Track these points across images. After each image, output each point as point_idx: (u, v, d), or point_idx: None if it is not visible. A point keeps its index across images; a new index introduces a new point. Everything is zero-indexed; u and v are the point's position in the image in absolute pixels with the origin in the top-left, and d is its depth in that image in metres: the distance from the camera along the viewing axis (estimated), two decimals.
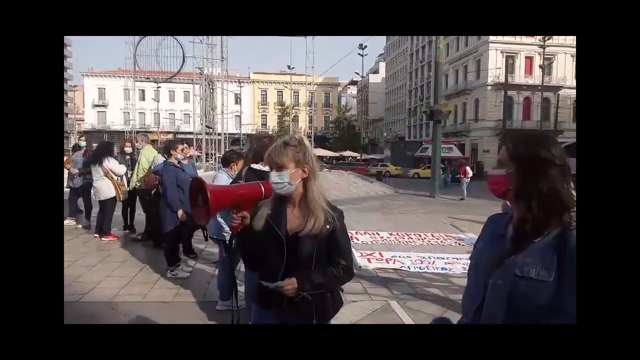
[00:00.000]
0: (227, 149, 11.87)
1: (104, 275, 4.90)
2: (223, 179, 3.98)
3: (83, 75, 58.51)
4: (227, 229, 3.71)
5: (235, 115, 43.37)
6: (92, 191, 6.93)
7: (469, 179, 16.00)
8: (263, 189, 1.58)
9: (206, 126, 19.02)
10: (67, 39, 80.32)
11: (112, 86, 53.64)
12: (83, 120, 60.24)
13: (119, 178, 6.64)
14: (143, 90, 53.23)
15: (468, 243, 7.42)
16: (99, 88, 57.62)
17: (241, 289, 3.52)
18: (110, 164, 6.51)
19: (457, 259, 6.24)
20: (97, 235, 6.68)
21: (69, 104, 79.09)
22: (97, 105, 57.63)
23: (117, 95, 49.29)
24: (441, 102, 16.00)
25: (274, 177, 1.63)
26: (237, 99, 42.88)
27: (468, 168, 16.67)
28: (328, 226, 1.66)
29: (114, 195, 6.56)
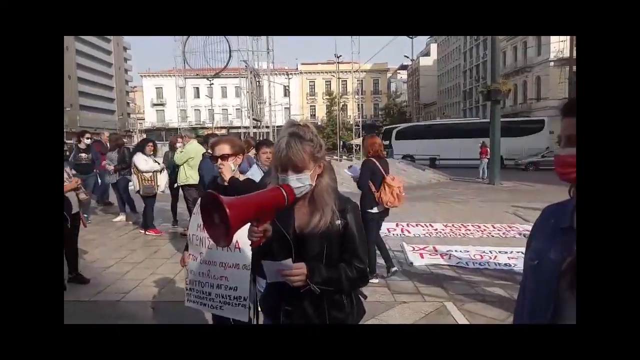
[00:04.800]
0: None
1: (149, 273, 4.88)
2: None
3: (141, 76, 61.72)
4: None
5: (285, 108, 43.70)
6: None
7: (487, 160, 15.97)
8: (285, 193, 1.34)
9: (253, 119, 19.14)
10: (127, 42, 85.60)
11: (168, 85, 55.94)
12: (144, 119, 63.75)
13: (149, 174, 6.71)
14: (197, 88, 55.31)
15: None
16: (156, 88, 60.52)
17: None
18: (135, 159, 6.69)
19: (523, 252, 5.57)
20: (142, 230, 6.85)
21: (130, 104, 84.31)
22: (155, 105, 60.63)
23: (174, 93, 51.56)
24: (499, 80, 14.82)
25: (294, 181, 1.40)
26: (286, 91, 43.20)
27: (489, 149, 16.03)
28: (339, 222, 1.46)
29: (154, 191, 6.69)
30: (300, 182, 1.40)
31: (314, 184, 1.45)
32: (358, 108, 35.83)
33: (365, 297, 1.64)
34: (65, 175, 4.22)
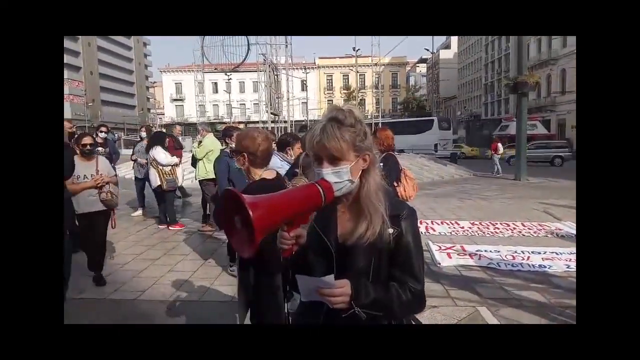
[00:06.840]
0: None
1: (166, 270, 4.74)
2: (276, 161, 3.59)
3: (161, 71, 62.34)
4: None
5: (302, 102, 43.52)
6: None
7: (499, 155, 16.97)
8: (322, 192, 1.11)
9: (271, 113, 19.00)
10: (146, 38, 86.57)
11: (187, 80, 56.35)
12: (163, 114, 64.48)
13: (168, 167, 6.52)
14: (216, 83, 55.57)
15: (568, 233, 6.32)
16: (175, 83, 61.07)
17: None
18: (154, 152, 6.44)
19: (557, 253, 5.24)
20: (164, 226, 6.72)
21: (150, 99, 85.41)
22: (175, 100, 61.20)
23: (193, 88, 51.92)
24: (526, 72, 14.26)
25: (330, 175, 1.16)
26: (303, 86, 42.99)
27: (499, 144, 17.52)
28: (391, 230, 1.19)
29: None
30: (337, 176, 1.16)
31: (356, 181, 1.19)
32: (376, 102, 35.34)
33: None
34: (93, 171, 4.06)
